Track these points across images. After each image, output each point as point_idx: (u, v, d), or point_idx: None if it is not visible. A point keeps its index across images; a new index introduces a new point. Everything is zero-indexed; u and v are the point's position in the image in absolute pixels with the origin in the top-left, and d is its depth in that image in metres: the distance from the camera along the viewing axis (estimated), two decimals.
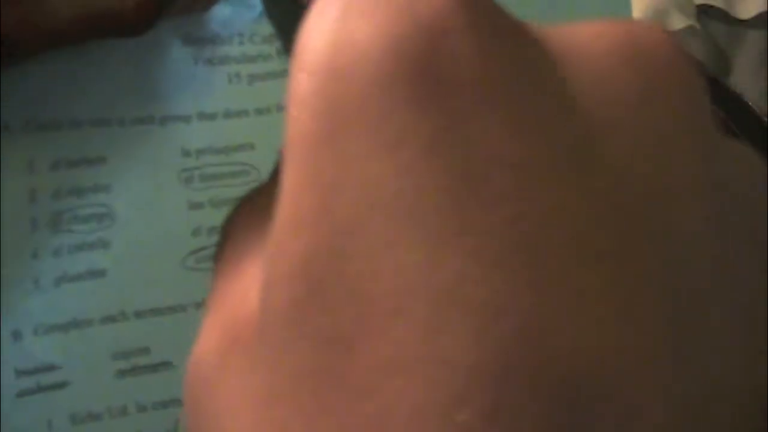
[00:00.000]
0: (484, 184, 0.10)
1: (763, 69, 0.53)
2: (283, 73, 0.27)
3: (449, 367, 0.09)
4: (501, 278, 0.09)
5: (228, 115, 0.28)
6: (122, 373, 0.26)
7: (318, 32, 0.11)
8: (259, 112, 0.28)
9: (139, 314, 0.26)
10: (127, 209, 0.26)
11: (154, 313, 0.26)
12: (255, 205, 0.14)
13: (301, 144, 0.10)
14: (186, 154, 0.27)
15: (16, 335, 0.25)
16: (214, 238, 0.27)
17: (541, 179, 0.10)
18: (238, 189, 0.27)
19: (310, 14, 0.11)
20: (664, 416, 0.09)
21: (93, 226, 0.26)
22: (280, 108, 0.28)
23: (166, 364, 0.26)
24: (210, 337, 0.12)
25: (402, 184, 0.10)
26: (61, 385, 0.25)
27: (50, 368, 0.25)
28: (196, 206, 0.27)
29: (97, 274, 0.26)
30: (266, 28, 0.28)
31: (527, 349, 0.09)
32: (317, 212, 0.10)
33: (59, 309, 0.25)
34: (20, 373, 0.25)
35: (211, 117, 0.27)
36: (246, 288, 0.12)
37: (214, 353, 0.11)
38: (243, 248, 0.13)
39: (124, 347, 0.26)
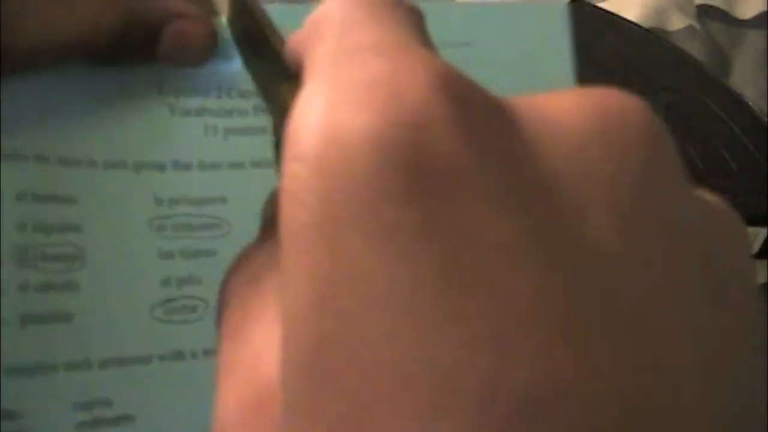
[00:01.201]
0: (472, 269, 0.10)
1: (763, 69, 0.53)
2: (259, 130, 0.28)
3: None
4: (495, 360, 0.10)
5: (202, 166, 0.27)
6: (83, 425, 0.25)
7: (308, 122, 0.11)
8: (233, 166, 0.28)
9: (103, 363, 0.25)
10: (98, 252, 0.26)
11: (119, 362, 0.25)
12: (248, 268, 0.15)
13: (297, 237, 0.11)
14: (159, 202, 0.27)
15: None
16: (184, 290, 0.26)
17: (523, 260, 0.10)
18: (209, 241, 0.27)
19: (300, 100, 0.12)
20: None
21: (62, 265, 0.25)
22: (255, 164, 0.28)
23: (127, 418, 0.26)
24: (228, 398, 0.13)
25: (394, 274, 0.10)
26: None
27: (11, 416, 0.24)
28: (166, 255, 0.26)
29: (64, 317, 0.25)
30: (244, 82, 0.28)
31: (526, 427, 0.09)
32: (318, 305, 0.10)
33: (24, 350, 0.24)
34: None
35: (186, 167, 0.27)
36: (257, 353, 0.13)
37: (235, 413, 0.12)
38: (243, 313, 0.14)
39: (87, 397, 0.25)
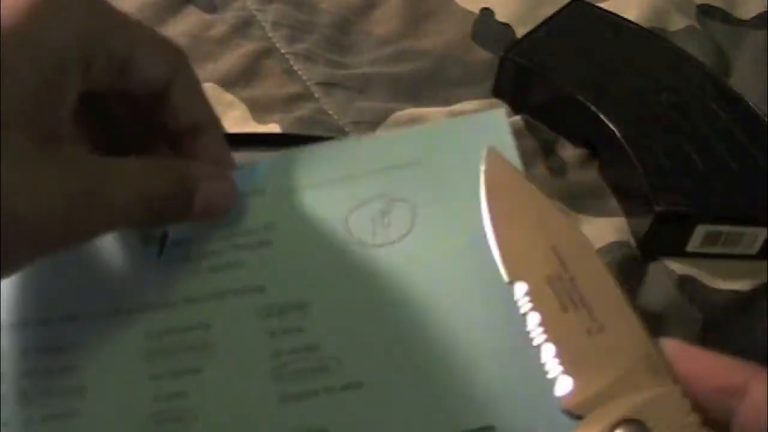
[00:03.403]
0: None
1: (764, 69, 0.53)
2: (237, 264, 0.32)
3: None
4: None
5: (188, 300, 0.32)
6: None
7: None
8: (217, 296, 0.32)
9: None
10: (97, 384, 0.30)
11: None
12: None
13: None
14: (149, 336, 0.31)
15: None
16: (173, 403, 0.30)
17: None
18: (194, 361, 0.31)
19: None
20: None
21: (62, 399, 0.29)
22: (236, 292, 0.32)
23: None
24: None
25: None
26: None
27: None
28: (156, 377, 0.30)
29: None
30: (219, 229, 0.33)
31: None
32: None
33: None
34: None
35: (173, 304, 0.31)
36: None
37: None
38: None
39: None
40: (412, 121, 0.49)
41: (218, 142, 0.33)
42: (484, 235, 0.30)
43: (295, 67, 0.52)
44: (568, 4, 0.52)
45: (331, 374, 0.30)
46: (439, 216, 0.33)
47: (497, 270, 0.30)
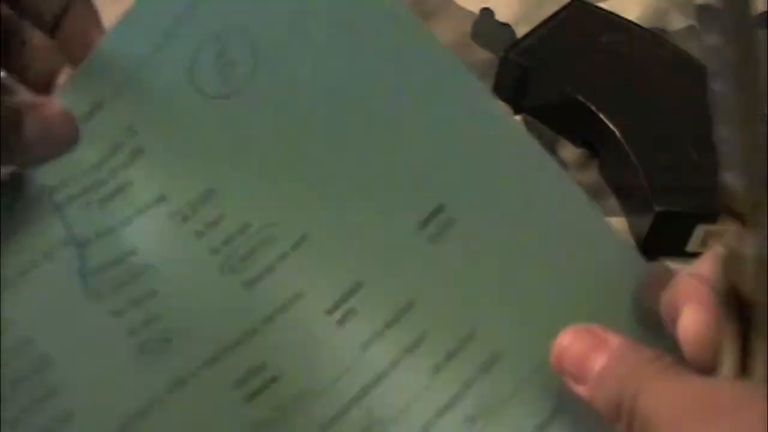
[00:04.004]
0: None
1: (764, 69, 0.53)
2: (125, 186, 0.30)
3: None
4: None
5: (99, 235, 0.30)
6: None
7: None
8: (123, 223, 0.30)
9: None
10: (61, 350, 0.28)
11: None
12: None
13: None
14: (83, 275, 0.29)
15: None
16: (150, 330, 0.28)
17: None
18: (145, 285, 0.29)
19: None
20: None
21: (39, 380, 0.28)
22: (140, 212, 0.30)
23: None
24: None
25: None
26: None
27: None
28: (118, 313, 0.29)
29: (61, 417, 0.28)
30: (83, 155, 0.30)
31: None
32: None
33: None
34: None
35: (87, 242, 0.30)
36: None
37: None
38: None
39: None
40: None
41: (88, 14, 0.31)
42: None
43: None
44: (568, 4, 0.52)
45: (277, 242, 0.29)
46: (284, 32, 0.30)
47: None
